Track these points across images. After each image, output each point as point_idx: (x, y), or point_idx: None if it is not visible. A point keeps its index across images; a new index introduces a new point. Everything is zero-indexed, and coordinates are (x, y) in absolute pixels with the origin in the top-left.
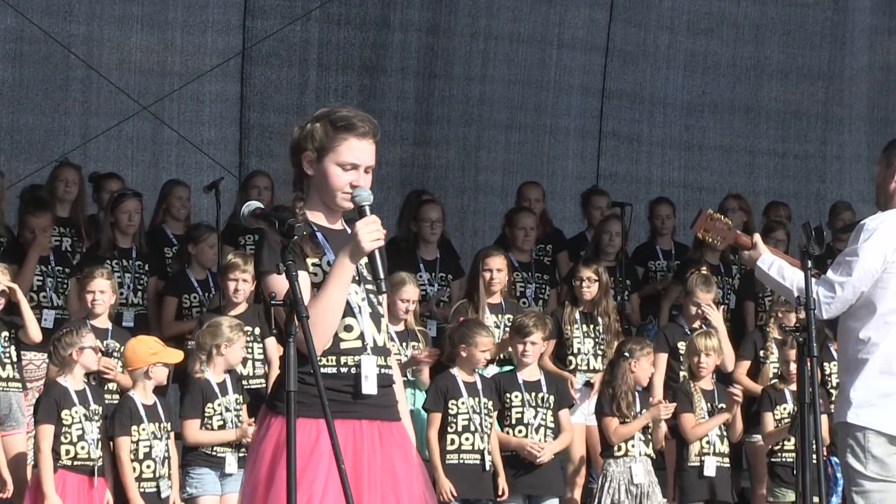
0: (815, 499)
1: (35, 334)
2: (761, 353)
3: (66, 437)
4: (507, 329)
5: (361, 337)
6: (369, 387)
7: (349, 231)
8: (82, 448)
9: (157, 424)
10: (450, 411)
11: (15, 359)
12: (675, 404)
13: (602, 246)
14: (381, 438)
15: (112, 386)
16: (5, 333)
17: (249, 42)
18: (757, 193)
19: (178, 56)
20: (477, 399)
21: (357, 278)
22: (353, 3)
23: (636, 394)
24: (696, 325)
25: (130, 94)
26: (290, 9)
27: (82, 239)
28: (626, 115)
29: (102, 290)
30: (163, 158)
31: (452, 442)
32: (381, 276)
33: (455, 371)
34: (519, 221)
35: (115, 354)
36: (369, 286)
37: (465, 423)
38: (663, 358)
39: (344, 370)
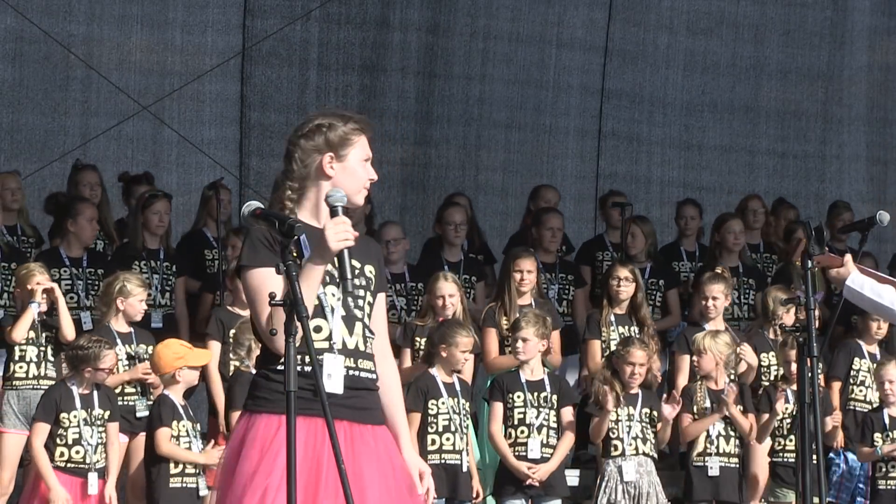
0: (816, 499)
1: (69, 333)
2: (763, 356)
3: (61, 440)
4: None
5: (329, 337)
6: (332, 385)
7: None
8: (77, 452)
9: (191, 423)
10: (430, 411)
11: (51, 357)
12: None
13: (627, 248)
14: (347, 440)
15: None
16: (45, 333)
17: (249, 42)
18: (756, 193)
19: (178, 56)
20: (456, 399)
21: (335, 280)
22: (353, 2)
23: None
24: (713, 320)
25: (130, 93)
26: (290, 8)
27: (111, 240)
28: (626, 115)
29: (141, 299)
30: (163, 158)
31: (433, 442)
32: (347, 275)
33: (434, 371)
34: (548, 221)
35: (144, 357)
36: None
37: (446, 423)
38: (686, 359)
39: (308, 368)
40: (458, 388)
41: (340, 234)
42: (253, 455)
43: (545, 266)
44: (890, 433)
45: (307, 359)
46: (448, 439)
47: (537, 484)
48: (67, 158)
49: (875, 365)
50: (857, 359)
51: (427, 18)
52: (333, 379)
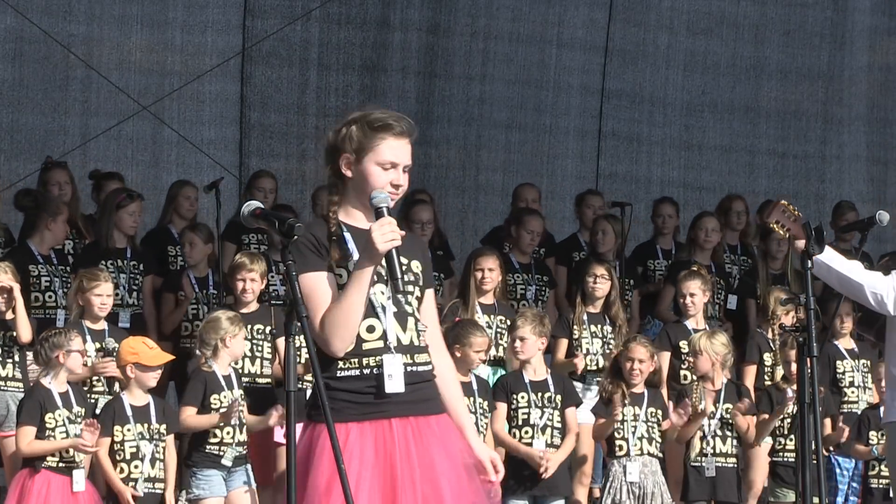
0: (815, 499)
1: (24, 335)
2: (766, 356)
3: (50, 440)
4: (500, 330)
5: (384, 336)
6: (394, 385)
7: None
8: (66, 451)
9: (145, 426)
10: None
11: (17, 359)
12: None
13: (596, 245)
14: (415, 434)
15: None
16: (8, 334)
17: (249, 42)
18: (756, 193)
19: (177, 56)
20: (472, 398)
21: (384, 278)
22: (353, 2)
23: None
24: (693, 317)
25: (130, 93)
26: (290, 8)
27: (82, 237)
28: (626, 115)
29: (108, 294)
30: (163, 158)
31: None
32: (398, 275)
33: None
34: (528, 223)
35: (112, 352)
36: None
37: None
38: (666, 357)
39: (367, 371)
40: (474, 387)
41: (387, 234)
42: (323, 466)
43: (521, 266)
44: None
45: (364, 361)
46: None
47: (548, 473)
48: (67, 158)
49: (857, 361)
50: (838, 361)
51: (427, 18)
52: (394, 378)
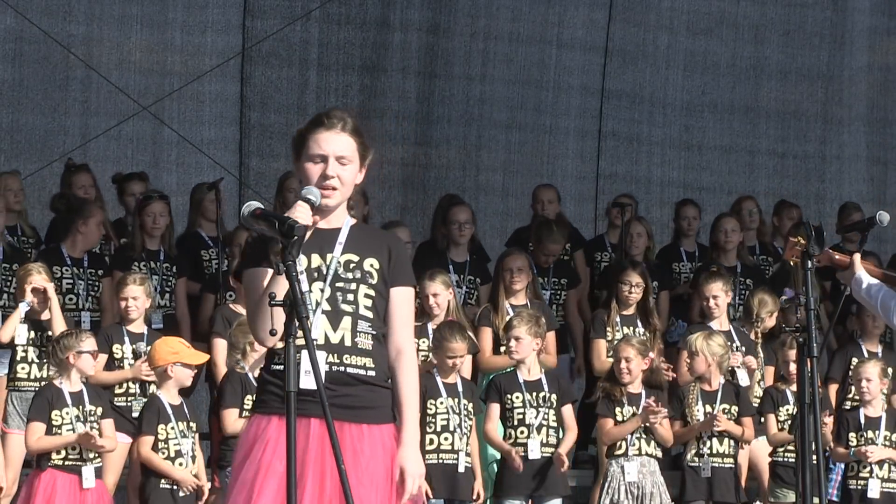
0: (815, 499)
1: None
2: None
3: (57, 436)
4: None
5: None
6: (308, 381)
7: (341, 228)
8: (73, 448)
9: (184, 423)
10: (428, 411)
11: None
12: (665, 410)
13: (626, 248)
14: (322, 437)
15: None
16: (32, 333)
17: (249, 42)
18: (757, 193)
19: (177, 56)
20: (457, 400)
21: (324, 275)
22: (353, 2)
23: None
24: (717, 319)
25: (130, 94)
26: (289, 9)
27: (108, 240)
28: (626, 115)
29: (136, 297)
30: (163, 158)
31: (431, 441)
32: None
33: (436, 371)
34: (546, 248)
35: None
36: (338, 284)
37: (444, 422)
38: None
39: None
40: (459, 388)
41: (297, 215)
42: (256, 460)
43: (539, 269)
44: (865, 433)
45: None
46: (446, 439)
47: (564, 468)
48: (67, 159)
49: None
50: (854, 360)
51: (427, 18)
52: (310, 375)
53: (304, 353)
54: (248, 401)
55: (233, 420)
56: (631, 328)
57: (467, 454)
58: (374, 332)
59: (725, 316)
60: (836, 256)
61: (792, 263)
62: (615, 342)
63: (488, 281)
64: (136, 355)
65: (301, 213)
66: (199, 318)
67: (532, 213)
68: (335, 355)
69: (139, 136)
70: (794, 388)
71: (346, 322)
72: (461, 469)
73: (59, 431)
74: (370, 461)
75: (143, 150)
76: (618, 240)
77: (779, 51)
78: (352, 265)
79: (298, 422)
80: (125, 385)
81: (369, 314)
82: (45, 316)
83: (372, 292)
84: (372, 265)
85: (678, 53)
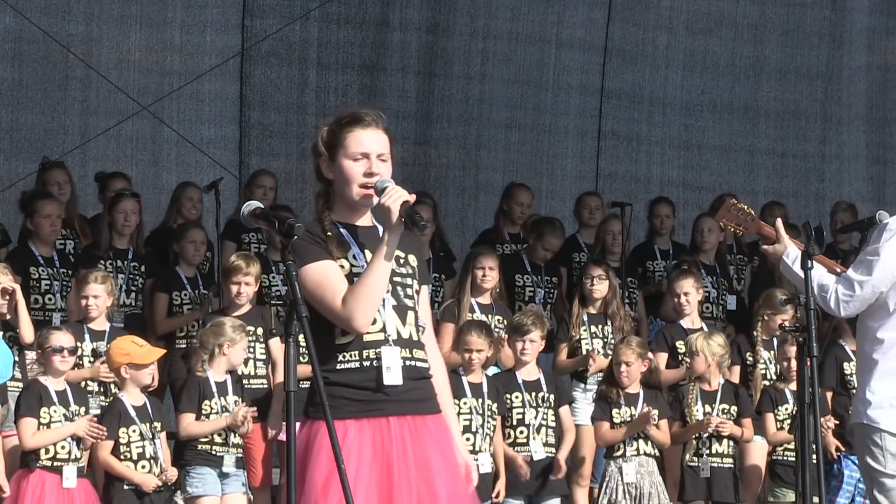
0: (815, 499)
1: (27, 335)
2: (748, 356)
3: (52, 430)
4: (497, 330)
5: (383, 329)
6: (392, 378)
7: (377, 226)
8: (62, 447)
9: (147, 425)
10: None
11: (16, 358)
12: (655, 411)
13: (607, 246)
14: (412, 434)
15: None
16: (9, 334)
17: (249, 41)
18: (756, 193)
19: (177, 55)
20: (480, 400)
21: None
22: (353, 2)
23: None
24: (688, 316)
25: (130, 93)
26: (289, 8)
27: (80, 239)
28: (625, 115)
29: (96, 295)
30: (163, 158)
31: None
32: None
33: (460, 370)
34: (548, 242)
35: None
36: (397, 279)
37: (467, 423)
38: (663, 357)
39: (367, 363)
40: (484, 388)
41: (393, 195)
42: (321, 464)
43: (532, 268)
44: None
45: (364, 353)
46: (468, 439)
47: (561, 474)
48: (67, 158)
49: None
50: (845, 364)
51: (427, 18)
52: (393, 371)
53: (384, 349)
54: (206, 406)
55: (186, 424)
56: (598, 326)
57: (490, 455)
58: (423, 328)
59: (696, 313)
60: (765, 228)
61: (721, 226)
62: (580, 340)
63: (451, 277)
64: (97, 354)
65: (399, 192)
66: (154, 318)
67: (498, 213)
68: (407, 350)
69: (139, 136)
70: (793, 387)
71: (411, 317)
72: (482, 470)
73: (47, 429)
74: (448, 452)
75: (142, 150)
76: (591, 239)
77: (778, 50)
78: (401, 260)
79: (375, 422)
80: (84, 383)
81: (419, 308)
82: (10, 316)
83: (417, 287)
84: (413, 261)
85: (677, 53)
